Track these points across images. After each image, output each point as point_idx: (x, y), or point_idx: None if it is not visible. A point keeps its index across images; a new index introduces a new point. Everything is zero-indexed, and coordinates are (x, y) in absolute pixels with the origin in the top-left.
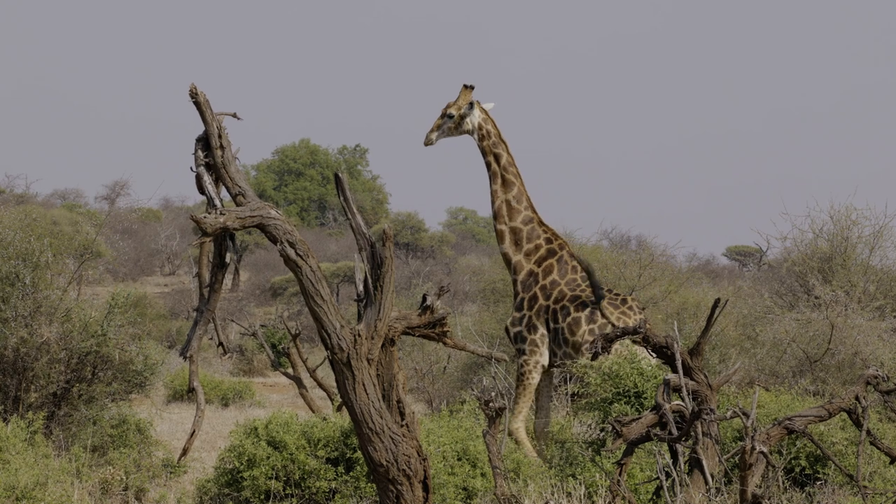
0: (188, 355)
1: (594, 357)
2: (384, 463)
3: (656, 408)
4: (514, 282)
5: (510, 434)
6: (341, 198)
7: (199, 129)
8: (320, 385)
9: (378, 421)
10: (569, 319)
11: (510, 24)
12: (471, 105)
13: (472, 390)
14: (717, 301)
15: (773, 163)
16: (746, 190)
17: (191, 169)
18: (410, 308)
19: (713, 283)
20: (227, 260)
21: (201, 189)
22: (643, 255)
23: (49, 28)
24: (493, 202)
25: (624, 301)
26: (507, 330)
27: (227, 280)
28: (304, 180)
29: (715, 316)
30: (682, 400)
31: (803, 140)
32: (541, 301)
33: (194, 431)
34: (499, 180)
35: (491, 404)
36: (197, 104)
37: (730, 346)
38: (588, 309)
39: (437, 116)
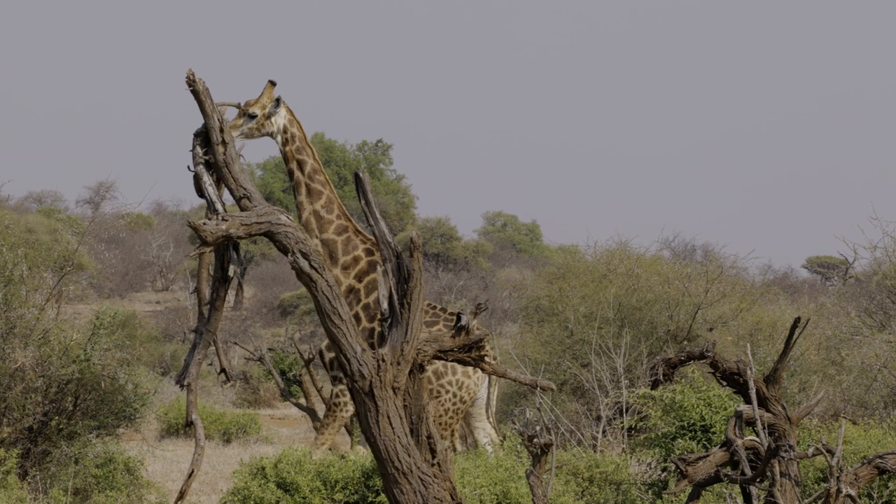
0: (185, 384)
1: (654, 385)
2: None
3: (727, 444)
4: None
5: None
6: (362, 201)
7: (198, 122)
8: None
9: (405, 459)
10: None
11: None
12: (277, 103)
13: (514, 424)
14: (797, 320)
15: (861, 160)
16: (829, 192)
17: (188, 168)
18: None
19: (792, 300)
20: (230, 273)
21: (200, 191)
22: (710, 267)
23: (20, 14)
24: (299, 216)
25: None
26: (321, 353)
27: (230, 296)
28: None
29: (794, 338)
30: (757, 435)
31: None
32: (364, 323)
33: (192, 471)
34: (303, 190)
35: (535, 440)
36: (195, 93)
37: (811, 372)
38: (425, 334)
39: (253, 114)
